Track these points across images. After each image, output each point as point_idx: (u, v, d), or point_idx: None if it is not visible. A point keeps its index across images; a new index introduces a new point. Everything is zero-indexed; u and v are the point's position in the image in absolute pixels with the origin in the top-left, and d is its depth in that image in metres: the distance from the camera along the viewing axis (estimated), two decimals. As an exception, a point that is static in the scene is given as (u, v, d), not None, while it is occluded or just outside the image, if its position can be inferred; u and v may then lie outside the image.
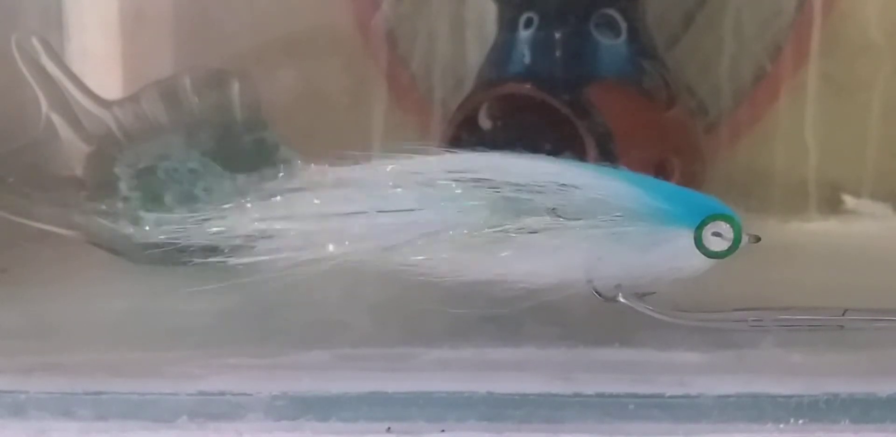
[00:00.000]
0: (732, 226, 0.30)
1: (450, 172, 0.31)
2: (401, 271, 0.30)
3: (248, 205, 0.32)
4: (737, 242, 0.30)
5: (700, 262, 0.31)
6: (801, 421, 0.27)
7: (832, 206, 0.53)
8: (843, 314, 0.31)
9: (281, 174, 0.32)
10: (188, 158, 0.42)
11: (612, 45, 0.48)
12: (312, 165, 0.32)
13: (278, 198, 0.31)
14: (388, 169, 0.31)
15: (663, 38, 0.53)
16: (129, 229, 0.42)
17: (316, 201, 0.31)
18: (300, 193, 0.31)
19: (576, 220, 0.30)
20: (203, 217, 0.32)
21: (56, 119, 0.43)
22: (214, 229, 0.32)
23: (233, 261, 0.39)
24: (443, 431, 0.27)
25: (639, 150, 0.46)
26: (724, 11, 0.54)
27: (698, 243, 0.30)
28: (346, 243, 0.30)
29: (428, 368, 0.29)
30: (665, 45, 0.53)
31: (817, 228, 0.52)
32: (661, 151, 0.47)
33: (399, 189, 0.31)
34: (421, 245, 0.30)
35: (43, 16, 0.52)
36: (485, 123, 0.50)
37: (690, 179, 0.47)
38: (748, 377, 0.28)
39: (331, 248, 0.30)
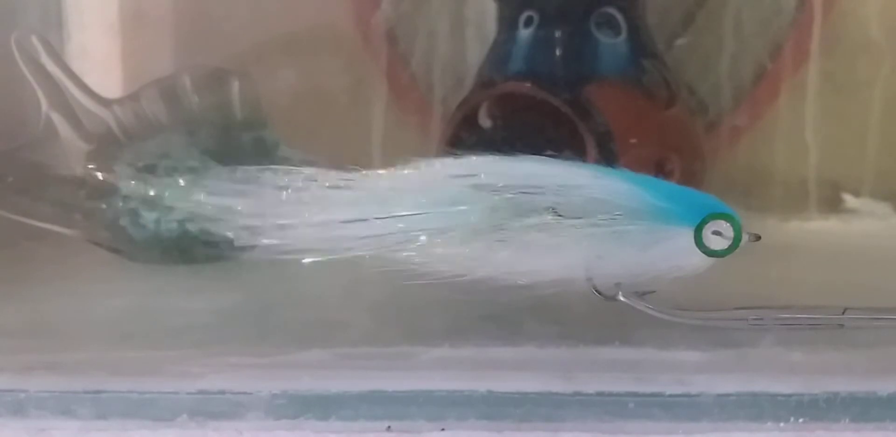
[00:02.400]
0: (732, 225, 0.30)
1: (451, 172, 0.31)
2: (401, 269, 0.30)
3: (248, 200, 0.32)
4: (737, 240, 0.30)
5: (700, 261, 0.31)
6: (801, 420, 0.27)
7: (832, 205, 0.53)
8: (843, 313, 0.31)
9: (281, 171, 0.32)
10: (188, 157, 0.42)
11: (612, 44, 0.48)
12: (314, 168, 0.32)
13: (279, 194, 0.31)
14: (390, 169, 0.31)
15: (663, 36, 0.53)
16: (129, 228, 0.42)
17: (312, 195, 0.31)
18: (302, 189, 0.31)
19: (576, 219, 0.30)
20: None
21: (56, 118, 0.43)
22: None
23: (232, 255, 0.39)
24: (443, 429, 0.27)
25: (639, 149, 0.46)
26: (725, 10, 0.53)
27: (698, 241, 0.30)
28: (347, 240, 0.30)
29: (428, 366, 0.29)
30: (665, 44, 0.53)
31: (817, 227, 0.52)
32: (661, 149, 0.47)
33: (400, 187, 0.31)
34: (421, 244, 0.30)
35: (43, 14, 0.52)
36: (485, 121, 0.50)
37: (690, 178, 0.47)
38: (748, 375, 0.28)
39: (331, 245, 0.30)
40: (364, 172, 0.31)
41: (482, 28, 0.54)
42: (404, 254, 0.30)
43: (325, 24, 0.54)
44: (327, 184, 0.31)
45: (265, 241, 0.31)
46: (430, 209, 0.30)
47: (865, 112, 0.53)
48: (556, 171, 0.31)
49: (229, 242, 0.41)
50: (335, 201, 0.31)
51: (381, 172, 0.31)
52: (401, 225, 0.30)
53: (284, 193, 0.31)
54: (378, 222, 0.30)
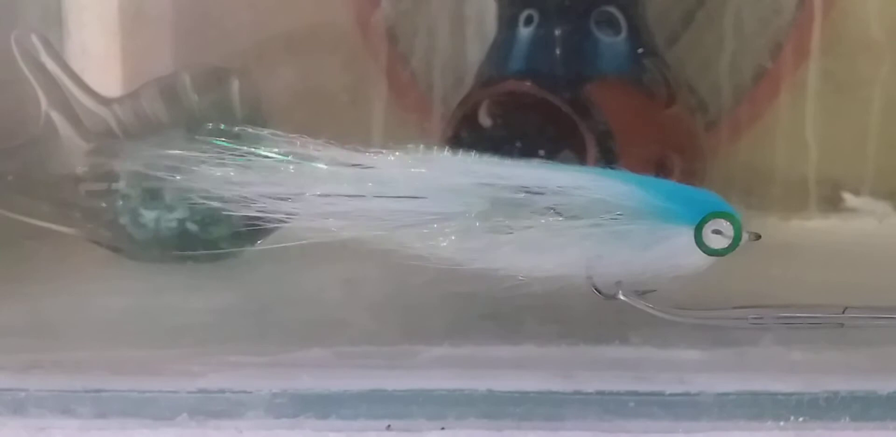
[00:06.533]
0: (733, 223, 0.30)
1: (451, 172, 0.31)
2: (401, 268, 0.30)
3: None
4: (737, 239, 0.30)
5: (700, 259, 0.31)
6: (801, 419, 0.27)
7: (832, 203, 0.53)
8: (843, 312, 0.31)
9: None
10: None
11: (612, 43, 0.48)
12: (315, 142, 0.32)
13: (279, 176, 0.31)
14: (391, 158, 0.31)
15: (663, 35, 0.53)
16: (129, 227, 0.42)
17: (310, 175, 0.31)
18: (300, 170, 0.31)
19: (576, 218, 0.30)
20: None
21: (56, 117, 0.43)
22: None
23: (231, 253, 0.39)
24: (443, 428, 0.27)
25: (639, 147, 0.46)
26: (725, 9, 0.53)
27: (698, 240, 0.30)
28: (346, 224, 0.30)
29: (428, 365, 0.29)
30: (665, 43, 0.53)
31: (817, 225, 0.52)
32: (662, 148, 0.47)
33: (401, 180, 0.30)
34: (420, 243, 0.30)
35: (43, 13, 0.52)
36: (485, 120, 0.50)
37: (691, 177, 0.47)
38: (748, 374, 0.28)
39: (331, 227, 0.30)
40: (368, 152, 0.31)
41: (482, 27, 0.54)
42: (404, 250, 0.30)
43: (325, 22, 0.54)
44: (330, 162, 0.31)
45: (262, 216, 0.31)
46: (429, 206, 0.30)
47: (865, 111, 0.53)
48: (555, 170, 0.31)
49: (229, 240, 0.41)
50: (336, 180, 0.31)
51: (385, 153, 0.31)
52: (401, 209, 0.30)
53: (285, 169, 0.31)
54: (379, 201, 0.30)
